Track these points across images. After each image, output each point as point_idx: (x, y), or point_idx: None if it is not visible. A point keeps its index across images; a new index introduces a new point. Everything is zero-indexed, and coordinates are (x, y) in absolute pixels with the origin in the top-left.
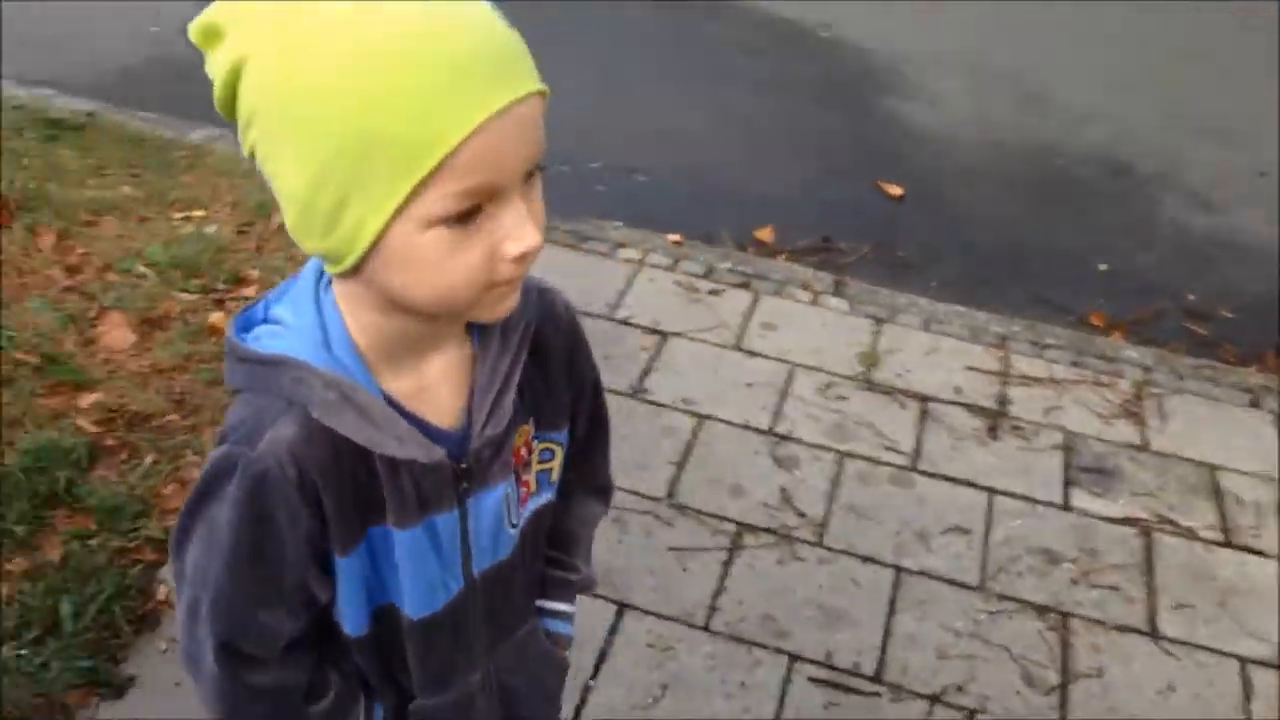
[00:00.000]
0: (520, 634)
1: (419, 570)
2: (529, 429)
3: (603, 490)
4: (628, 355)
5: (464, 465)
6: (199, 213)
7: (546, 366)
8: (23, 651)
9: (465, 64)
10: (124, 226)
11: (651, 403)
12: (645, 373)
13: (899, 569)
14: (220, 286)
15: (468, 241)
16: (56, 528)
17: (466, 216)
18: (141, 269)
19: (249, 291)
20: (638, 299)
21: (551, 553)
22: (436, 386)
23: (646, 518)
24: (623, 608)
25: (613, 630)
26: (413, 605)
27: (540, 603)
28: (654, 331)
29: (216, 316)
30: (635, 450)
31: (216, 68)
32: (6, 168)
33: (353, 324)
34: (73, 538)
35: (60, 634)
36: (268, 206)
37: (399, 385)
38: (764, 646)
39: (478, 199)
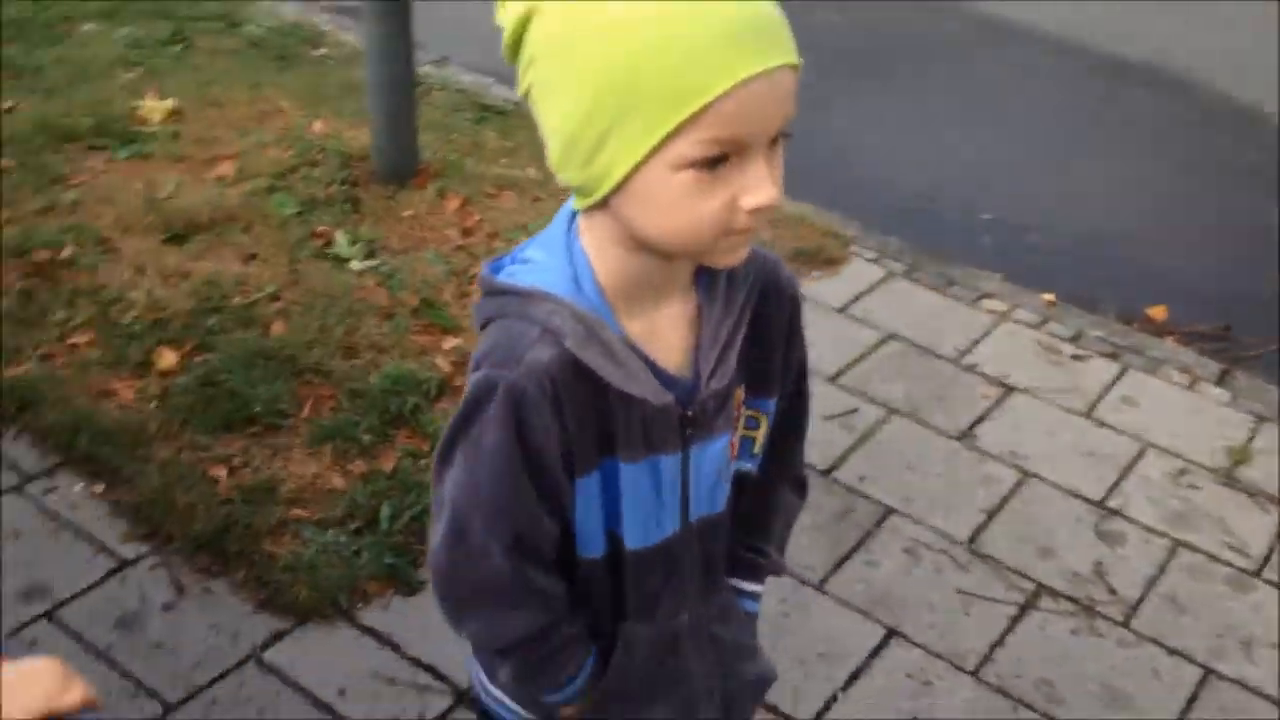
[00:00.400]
0: (726, 592)
1: (639, 504)
2: (741, 392)
3: (799, 482)
4: (965, 400)
5: (689, 412)
6: None
7: (765, 333)
8: (343, 539)
9: (736, 27)
10: (519, 203)
11: (977, 450)
12: (979, 420)
13: (1209, 670)
14: None
15: (711, 188)
16: (395, 444)
17: (714, 164)
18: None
19: None
20: (992, 349)
21: (744, 537)
22: (666, 333)
23: (941, 556)
24: (892, 633)
25: (875, 652)
26: (630, 536)
27: (731, 581)
28: (1000, 384)
29: None
30: (947, 490)
31: (508, 17)
32: (435, 140)
33: (598, 264)
34: (406, 455)
35: (376, 531)
36: None
37: (634, 327)
38: (1031, 708)
39: (727, 149)
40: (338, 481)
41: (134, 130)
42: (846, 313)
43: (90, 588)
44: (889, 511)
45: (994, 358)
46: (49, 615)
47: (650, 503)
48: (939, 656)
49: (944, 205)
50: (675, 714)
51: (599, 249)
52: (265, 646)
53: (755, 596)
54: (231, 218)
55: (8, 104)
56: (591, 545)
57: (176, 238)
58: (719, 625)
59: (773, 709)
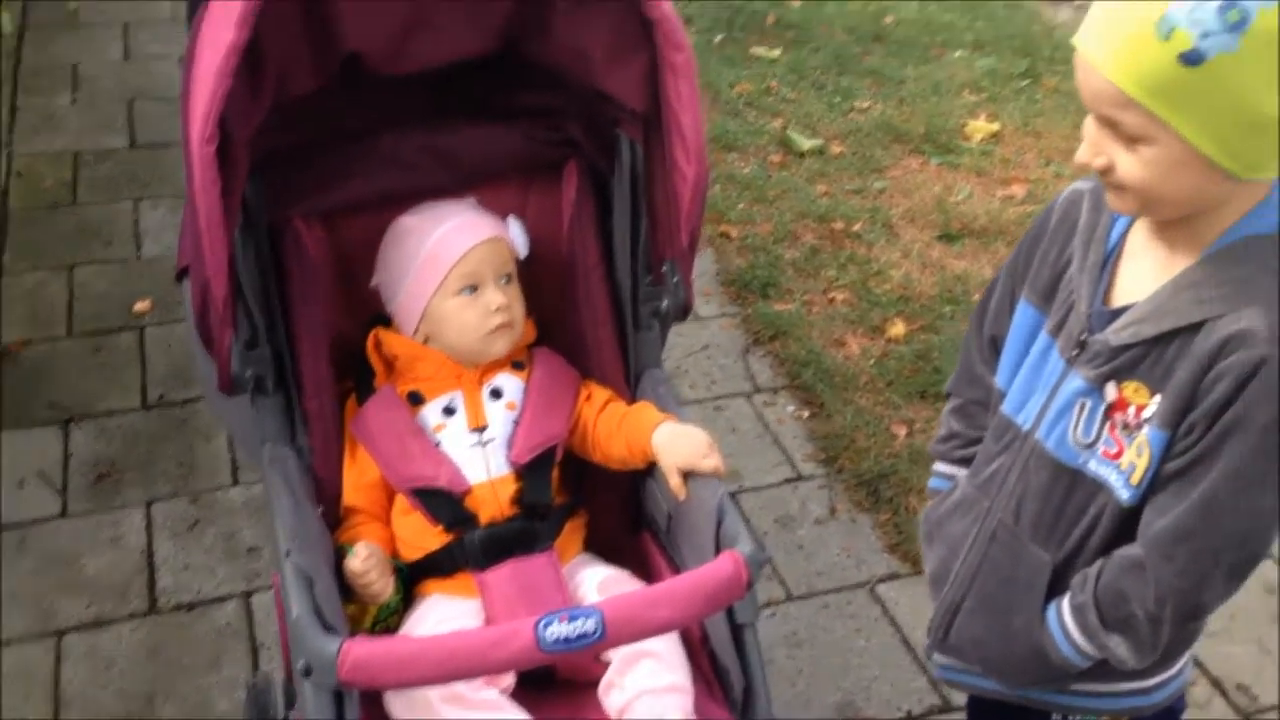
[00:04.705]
0: (1023, 557)
1: (1028, 370)
2: (1149, 400)
3: (1138, 569)
4: None
5: (1084, 336)
6: None
7: (1183, 375)
8: None
9: None
10: None
11: None
12: None
13: None
14: None
15: None
16: None
17: None
18: None
19: None
20: None
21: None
22: (1146, 270)
23: None
24: None
25: None
26: (1010, 395)
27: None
28: None
29: None
30: None
31: None
32: None
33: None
34: None
35: None
36: None
37: (1135, 239)
38: None
39: None
40: None
41: (955, 143)
42: None
43: (768, 486)
44: None
45: None
46: (732, 495)
47: (1030, 380)
48: None
49: None
50: (935, 568)
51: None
52: (882, 581)
53: (1063, 627)
54: (1002, 231)
55: (864, 104)
56: (1001, 376)
57: (948, 236)
58: (990, 574)
59: None
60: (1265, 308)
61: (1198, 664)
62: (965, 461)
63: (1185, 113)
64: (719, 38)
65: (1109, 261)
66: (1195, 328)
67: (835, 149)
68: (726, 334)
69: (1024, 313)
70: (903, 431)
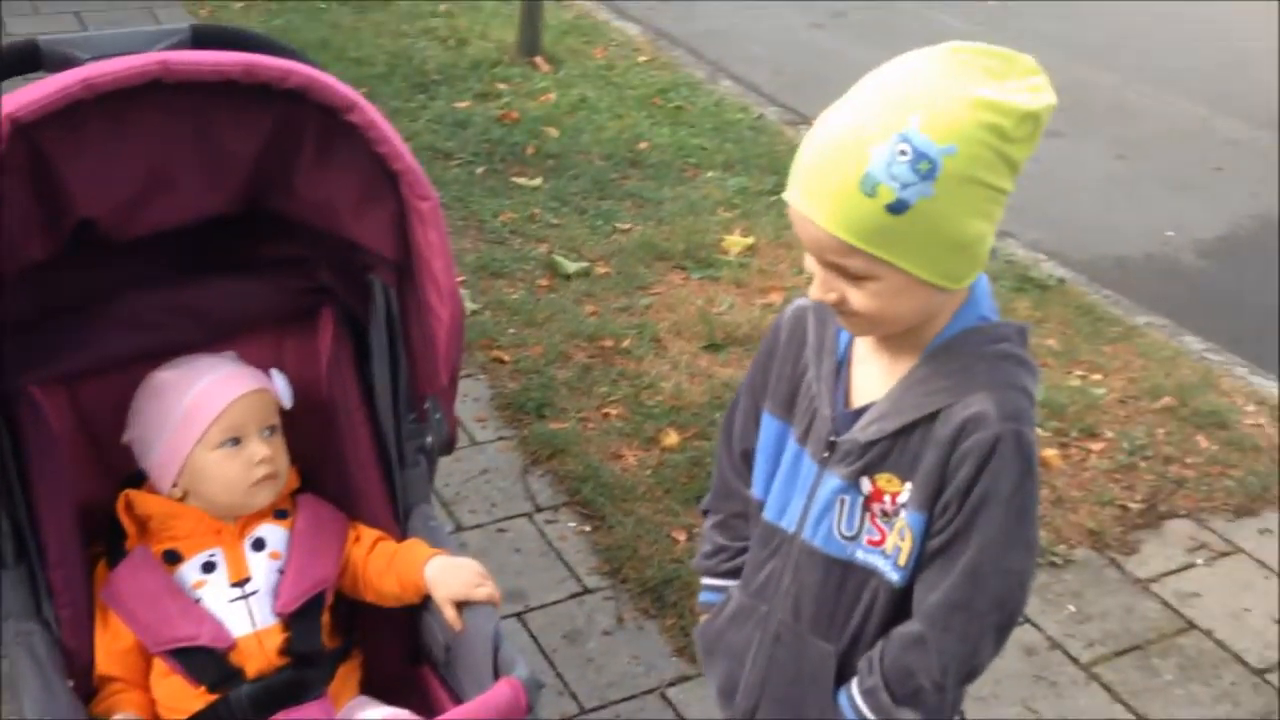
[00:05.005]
0: (811, 655)
1: (782, 480)
2: (901, 488)
3: (920, 644)
4: None
5: (832, 439)
6: (1096, 376)
7: (930, 461)
8: None
9: None
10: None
11: None
12: None
13: None
14: (1074, 435)
15: None
16: None
17: None
18: None
19: (1095, 446)
20: None
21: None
22: (876, 376)
23: None
24: None
25: None
26: (769, 505)
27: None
28: None
29: (1051, 454)
30: None
31: None
32: None
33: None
34: None
35: None
36: (1166, 390)
37: (859, 350)
38: None
39: None
40: None
41: (714, 258)
42: None
43: (555, 603)
44: None
45: None
46: (519, 615)
47: (787, 486)
48: None
49: None
50: (721, 682)
51: None
52: (671, 684)
53: (857, 711)
54: (764, 337)
55: (626, 225)
56: (758, 487)
57: (714, 346)
58: (779, 676)
59: None
60: (988, 391)
61: None
62: (734, 573)
63: (900, 251)
64: (481, 169)
65: (842, 368)
66: (932, 417)
67: (601, 270)
68: (504, 456)
69: (769, 425)
70: (683, 537)
